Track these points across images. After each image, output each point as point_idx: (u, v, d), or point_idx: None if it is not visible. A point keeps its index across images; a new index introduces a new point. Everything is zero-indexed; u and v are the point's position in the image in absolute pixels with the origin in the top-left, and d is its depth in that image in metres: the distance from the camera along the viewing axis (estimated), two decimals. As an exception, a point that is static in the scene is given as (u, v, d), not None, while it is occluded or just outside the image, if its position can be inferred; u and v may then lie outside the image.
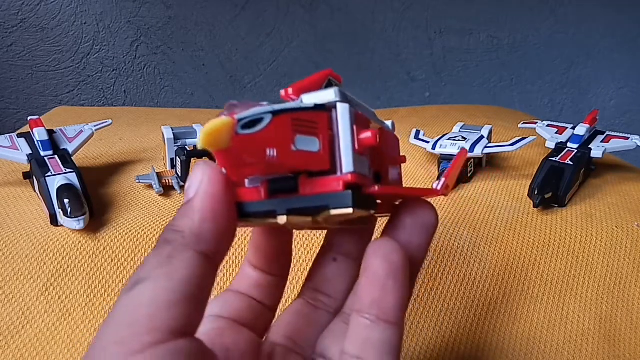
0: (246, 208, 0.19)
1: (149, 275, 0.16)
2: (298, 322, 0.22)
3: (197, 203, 0.17)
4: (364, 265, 0.18)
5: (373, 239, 0.18)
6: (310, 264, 0.24)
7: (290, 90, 0.20)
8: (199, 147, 0.15)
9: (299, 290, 0.23)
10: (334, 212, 0.18)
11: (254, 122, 0.16)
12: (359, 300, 0.18)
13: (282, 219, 0.18)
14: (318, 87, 0.21)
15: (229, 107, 0.17)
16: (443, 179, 0.20)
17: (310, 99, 0.19)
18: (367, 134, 0.18)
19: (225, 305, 0.22)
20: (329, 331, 0.22)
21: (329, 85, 0.22)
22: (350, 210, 0.18)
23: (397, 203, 0.21)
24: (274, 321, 0.23)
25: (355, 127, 0.19)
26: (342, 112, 0.19)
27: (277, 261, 0.23)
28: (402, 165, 0.24)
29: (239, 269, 0.23)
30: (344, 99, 0.19)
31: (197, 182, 0.18)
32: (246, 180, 0.19)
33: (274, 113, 0.17)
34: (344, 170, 0.18)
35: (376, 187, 0.19)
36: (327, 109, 0.19)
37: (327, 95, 0.19)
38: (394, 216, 0.21)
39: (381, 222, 0.22)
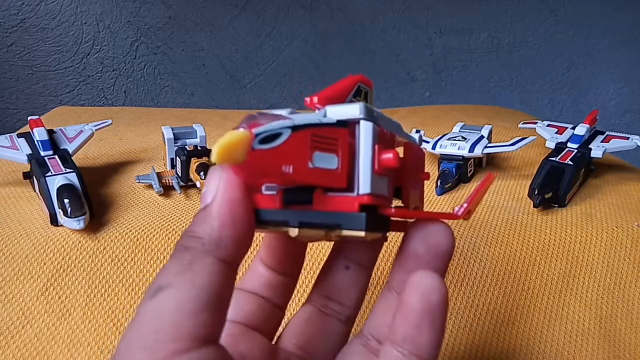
0: (261, 215, 0.18)
1: (171, 282, 0.16)
2: (309, 330, 0.22)
3: (215, 209, 0.17)
4: (402, 297, 0.17)
5: (415, 271, 0.17)
6: (317, 264, 0.24)
7: (315, 99, 0.19)
8: (213, 161, 0.15)
9: (307, 294, 0.23)
10: (346, 232, 0.18)
11: (272, 137, 0.16)
12: (392, 332, 0.18)
13: (293, 232, 0.18)
14: (347, 95, 0.20)
15: (247, 119, 0.16)
16: (465, 205, 0.19)
17: (334, 112, 0.18)
18: (388, 155, 0.18)
19: (236, 308, 0.21)
20: (348, 354, 0.21)
21: (357, 92, 0.21)
22: (362, 234, 0.17)
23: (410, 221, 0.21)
24: (284, 326, 0.23)
25: (377, 147, 0.18)
26: (365, 131, 0.18)
27: (289, 261, 0.22)
28: None
29: (249, 266, 0.23)
30: (369, 115, 0.18)
31: (214, 187, 0.17)
32: (263, 186, 0.19)
33: (294, 128, 0.16)
34: (361, 191, 0.18)
35: (392, 209, 0.18)
36: (349, 124, 0.18)
37: (352, 111, 0.18)
38: (406, 239, 0.20)
39: (396, 236, 0.22)
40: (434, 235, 0.19)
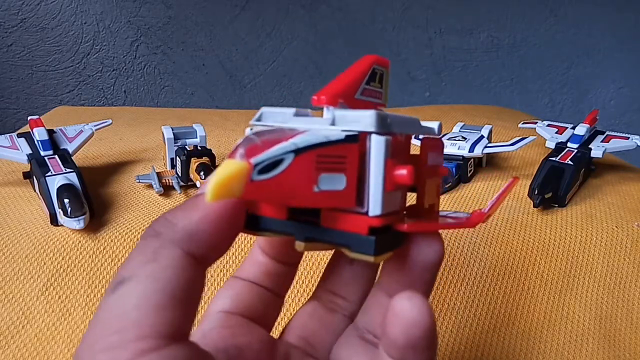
0: (263, 223, 0.18)
1: (133, 273, 0.15)
2: (313, 324, 0.22)
3: (203, 200, 0.16)
4: (385, 324, 0.17)
5: (398, 295, 0.16)
6: (321, 258, 0.23)
7: (323, 98, 0.17)
8: (206, 199, 0.13)
9: (309, 286, 0.23)
10: (354, 255, 0.17)
11: (272, 165, 0.14)
12: (383, 346, 0.17)
13: (299, 246, 0.17)
14: (360, 83, 0.19)
15: (246, 142, 0.15)
16: (487, 210, 0.18)
17: (343, 120, 0.17)
18: (401, 172, 0.16)
19: (234, 298, 0.21)
20: (345, 343, 0.21)
21: (372, 76, 0.19)
22: (371, 259, 0.16)
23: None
24: (290, 319, 0.22)
25: (389, 163, 0.16)
26: (377, 148, 0.16)
27: (290, 250, 0.22)
28: None
29: (248, 253, 0.23)
30: (383, 127, 0.16)
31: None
32: None
33: (297, 151, 0.15)
34: (370, 213, 0.16)
35: (405, 225, 0.17)
36: (359, 138, 0.16)
37: (364, 121, 0.16)
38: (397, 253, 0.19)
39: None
40: (423, 251, 0.19)
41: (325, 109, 0.17)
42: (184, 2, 1.34)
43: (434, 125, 0.20)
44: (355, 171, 0.16)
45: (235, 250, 0.39)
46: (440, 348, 0.36)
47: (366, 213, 0.16)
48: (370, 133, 0.16)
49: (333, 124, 0.17)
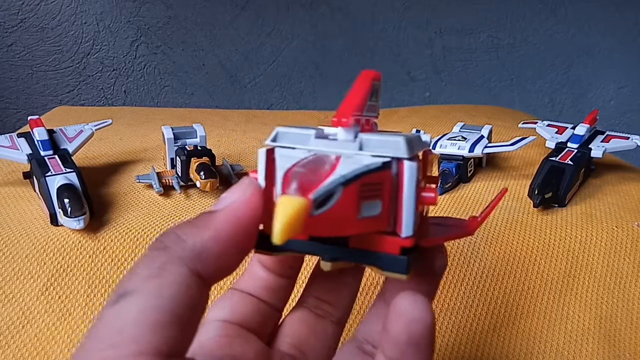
0: (285, 244, 0.18)
1: (136, 287, 0.15)
2: (303, 331, 0.22)
3: (216, 219, 0.16)
4: (386, 322, 0.17)
5: (400, 294, 0.16)
6: (310, 265, 0.23)
7: (344, 120, 0.17)
8: (275, 241, 0.13)
9: (299, 297, 0.23)
10: (387, 274, 0.17)
11: (327, 198, 0.15)
12: (381, 348, 0.17)
13: (325, 265, 0.17)
14: (367, 101, 0.19)
15: (293, 176, 0.15)
16: (479, 219, 0.19)
17: (370, 143, 0.17)
18: (430, 195, 0.17)
19: (232, 309, 0.21)
20: (342, 355, 0.21)
21: (373, 92, 0.20)
22: (404, 277, 0.17)
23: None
24: (278, 325, 0.22)
25: (419, 187, 0.17)
26: (410, 174, 0.17)
27: (290, 264, 0.22)
28: None
29: (248, 266, 0.22)
30: (412, 152, 0.17)
31: (233, 197, 0.16)
32: None
33: (345, 183, 0.15)
34: (403, 234, 0.17)
35: (426, 241, 0.18)
36: (390, 164, 0.17)
37: (395, 147, 0.16)
38: None
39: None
40: (435, 263, 0.20)
41: (341, 129, 0.17)
42: (184, 2, 1.34)
43: (427, 137, 0.21)
44: (389, 196, 0.17)
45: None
46: (440, 348, 0.36)
47: (396, 233, 0.17)
48: (402, 159, 0.17)
49: (361, 148, 0.17)
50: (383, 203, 0.16)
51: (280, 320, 0.23)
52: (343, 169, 0.15)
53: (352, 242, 0.17)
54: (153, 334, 0.14)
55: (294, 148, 0.17)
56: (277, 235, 0.13)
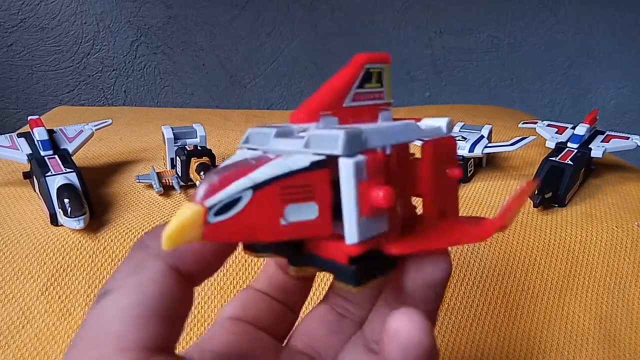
0: (259, 245, 0.17)
1: (117, 285, 0.15)
2: (322, 329, 0.21)
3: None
4: (381, 343, 0.15)
5: (395, 312, 0.15)
6: None
7: (301, 116, 0.16)
8: (163, 248, 0.13)
9: (323, 294, 0.23)
10: (339, 284, 0.16)
11: (230, 204, 0.14)
12: None
13: (292, 270, 0.17)
14: (348, 91, 0.17)
15: (206, 181, 0.14)
16: (498, 220, 0.16)
17: (315, 143, 0.15)
18: (378, 194, 0.15)
19: (245, 307, 0.21)
20: (350, 352, 0.21)
21: (367, 78, 0.18)
22: (353, 290, 0.15)
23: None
24: (296, 324, 0.22)
25: (362, 187, 0.15)
26: (345, 172, 0.15)
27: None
28: None
29: (263, 266, 0.23)
30: (352, 147, 0.15)
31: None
32: None
33: (256, 187, 0.14)
34: (347, 242, 0.15)
35: (394, 248, 0.16)
36: (329, 162, 0.15)
37: (331, 143, 0.15)
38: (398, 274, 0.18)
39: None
40: (425, 270, 0.17)
41: (312, 124, 0.17)
42: (184, 2, 1.34)
43: (442, 123, 0.18)
44: (329, 198, 0.15)
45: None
46: (440, 348, 0.36)
47: (344, 241, 0.15)
48: (337, 157, 0.15)
49: (307, 146, 0.16)
50: (321, 206, 0.15)
51: (298, 319, 0.22)
52: (259, 173, 0.14)
53: (308, 246, 0.16)
54: (136, 329, 0.14)
55: (255, 149, 0.17)
56: (164, 242, 0.13)
